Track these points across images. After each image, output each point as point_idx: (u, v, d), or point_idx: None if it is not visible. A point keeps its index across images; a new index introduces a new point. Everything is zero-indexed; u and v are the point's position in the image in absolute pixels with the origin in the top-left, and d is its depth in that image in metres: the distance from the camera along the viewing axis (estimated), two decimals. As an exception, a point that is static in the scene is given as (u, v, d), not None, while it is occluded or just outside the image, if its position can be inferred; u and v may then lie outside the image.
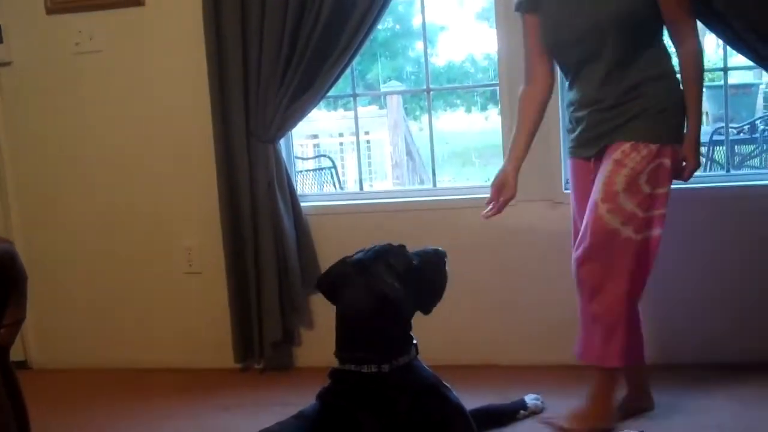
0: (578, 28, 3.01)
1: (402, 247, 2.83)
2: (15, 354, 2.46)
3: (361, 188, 4.41)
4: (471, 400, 3.04)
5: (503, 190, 3.21)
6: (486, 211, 3.24)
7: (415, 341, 2.81)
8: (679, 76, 3.04)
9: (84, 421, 3.69)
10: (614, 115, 3.00)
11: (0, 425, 2.32)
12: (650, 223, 2.96)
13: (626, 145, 2.95)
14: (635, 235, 2.93)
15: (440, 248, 2.92)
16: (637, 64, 2.97)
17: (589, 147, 3.10)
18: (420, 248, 2.88)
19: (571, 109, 3.17)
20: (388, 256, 2.76)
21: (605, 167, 2.98)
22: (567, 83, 3.24)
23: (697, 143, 3.06)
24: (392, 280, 2.69)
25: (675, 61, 3.08)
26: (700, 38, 3.07)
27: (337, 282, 2.81)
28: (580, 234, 3.03)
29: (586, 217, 3.01)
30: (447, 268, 2.89)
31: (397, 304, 2.67)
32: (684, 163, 3.03)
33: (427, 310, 2.86)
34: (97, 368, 4.31)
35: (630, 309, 3.01)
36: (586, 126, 3.09)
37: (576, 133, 3.15)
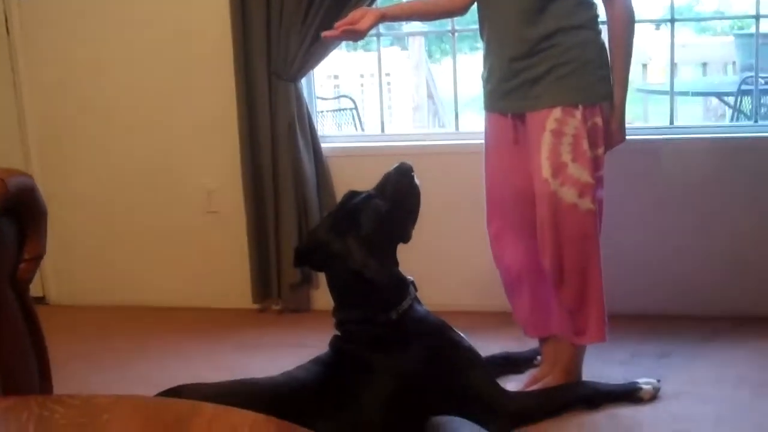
0: None
1: (368, 197, 2.72)
2: (33, 289, 2.44)
3: (383, 130, 4.36)
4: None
5: (362, 19, 2.96)
6: (331, 30, 3.02)
7: (411, 278, 2.78)
8: (601, 30, 2.90)
9: (101, 357, 3.72)
10: (530, 66, 2.82)
11: (20, 361, 2.32)
12: (598, 188, 2.85)
13: (557, 111, 2.80)
14: (592, 204, 2.82)
15: (404, 164, 2.80)
16: (553, 9, 2.80)
17: (507, 100, 2.92)
18: (384, 177, 2.78)
19: (485, 57, 2.99)
20: (357, 216, 2.68)
21: (543, 140, 2.81)
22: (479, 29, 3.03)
23: (623, 115, 2.92)
24: (362, 254, 2.62)
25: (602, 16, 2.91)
26: None
27: (314, 258, 2.77)
28: (538, 221, 2.86)
29: (537, 203, 2.86)
30: (416, 181, 2.79)
31: (375, 278, 2.62)
32: (611, 135, 2.89)
33: (407, 238, 2.79)
34: (114, 305, 4.33)
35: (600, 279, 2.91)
36: (502, 75, 2.90)
37: (491, 84, 2.97)
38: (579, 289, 2.89)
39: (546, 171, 2.81)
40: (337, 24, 3.01)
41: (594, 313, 2.91)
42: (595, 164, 2.83)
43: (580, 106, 2.80)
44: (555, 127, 2.80)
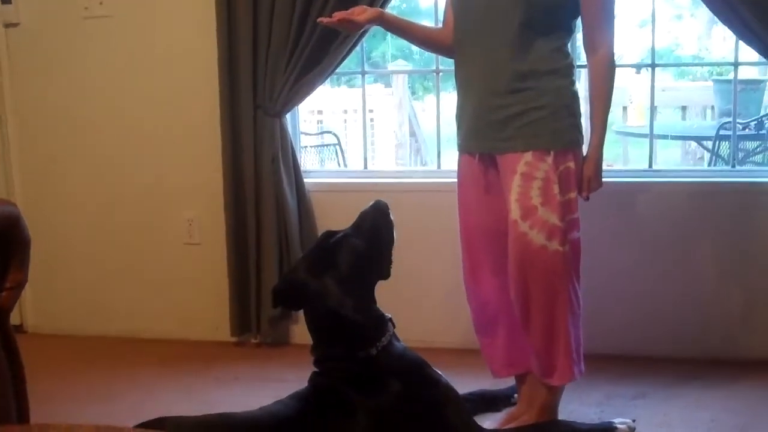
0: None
1: (345, 237, 2.73)
2: (11, 317, 2.44)
3: (366, 167, 4.39)
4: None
5: (361, 13, 3.01)
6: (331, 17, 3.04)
7: (389, 316, 2.80)
8: (575, 80, 2.93)
9: (77, 387, 3.69)
10: (503, 106, 2.84)
11: (-3, 388, 2.31)
12: (570, 230, 2.86)
13: (528, 156, 2.82)
14: (562, 247, 2.83)
15: (379, 202, 2.82)
16: (529, 52, 2.82)
17: (478, 140, 2.95)
18: (360, 215, 2.80)
19: (459, 96, 3.02)
20: (334, 256, 2.69)
21: (513, 182, 2.84)
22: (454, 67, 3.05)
23: (600, 162, 2.93)
24: (339, 294, 2.63)
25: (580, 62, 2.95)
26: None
27: (292, 298, 2.78)
28: (509, 259, 2.89)
29: (508, 242, 2.88)
30: (391, 217, 2.81)
31: (352, 317, 2.64)
32: (586, 180, 2.90)
33: (386, 275, 2.80)
34: (92, 335, 4.31)
35: (574, 319, 2.92)
36: (473, 113, 2.93)
37: (464, 124, 3.00)
38: (545, 329, 2.90)
39: (515, 213, 2.84)
40: (335, 13, 3.05)
41: (561, 353, 2.91)
42: (567, 208, 2.85)
43: (551, 152, 2.82)
44: (525, 171, 2.83)
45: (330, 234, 2.78)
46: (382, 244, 2.79)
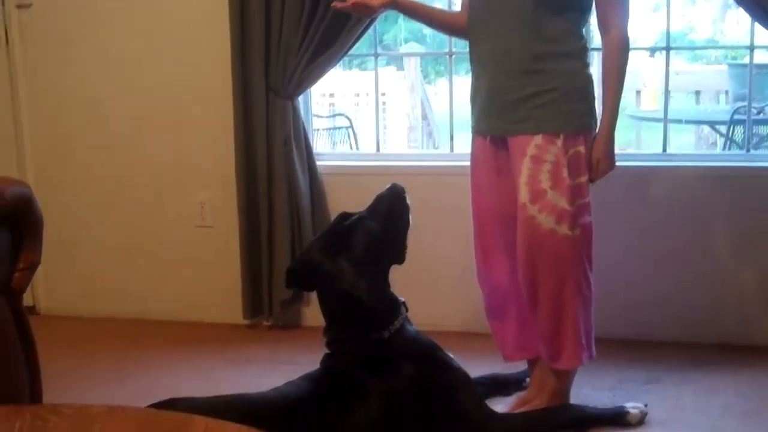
0: None
1: (360, 219, 2.74)
2: (23, 299, 2.45)
3: (378, 150, 4.38)
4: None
5: None
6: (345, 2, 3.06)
7: (402, 299, 2.80)
8: (590, 62, 2.93)
9: (90, 368, 3.71)
10: (516, 88, 2.84)
11: (11, 370, 2.32)
12: (580, 215, 2.85)
13: (538, 138, 2.81)
14: (571, 231, 2.83)
15: (396, 185, 2.83)
16: (542, 34, 2.81)
17: (490, 121, 2.95)
18: (376, 198, 2.80)
19: (473, 76, 3.02)
20: (349, 238, 2.69)
21: (523, 165, 2.83)
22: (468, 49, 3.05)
23: (610, 143, 2.90)
24: (353, 275, 2.62)
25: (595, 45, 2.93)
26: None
27: (305, 279, 2.78)
28: (517, 242, 2.89)
29: (517, 225, 2.88)
30: (408, 201, 2.81)
31: (366, 299, 2.63)
32: (595, 161, 2.89)
33: (400, 260, 2.81)
34: (104, 317, 4.32)
35: (585, 304, 2.92)
36: (487, 95, 2.92)
37: (477, 105, 2.99)
38: (553, 313, 2.90)
39: (524, 196, 2.83)
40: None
41: (568, 337, 2.91)
42: (576, 192, 2.84)
43: (561, 135, 2.81)
44: (535, 153, 2.82)
45: (345, 216, 2.77)
46: (397, 227, 2.79)
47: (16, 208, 2.29)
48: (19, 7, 4.25)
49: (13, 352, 2.34)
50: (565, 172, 2.81)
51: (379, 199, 2.80)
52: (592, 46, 3.33)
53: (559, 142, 2.81)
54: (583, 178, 2.86)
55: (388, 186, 2.84)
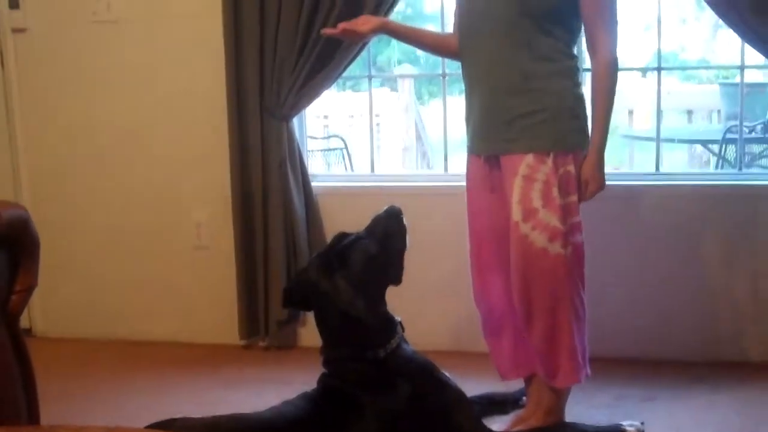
0: None
1: (357, 239, 2.76)
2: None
3: (373, 170, 4.40)
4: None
5: (365, 23, 3.09)
6: (333, 28, 3.12)
7: (398, 319, 2.81)
8: (580, 82, 2.96)
9: (87, 390, 3.71)
10: (507, 107, 2.86)
11: (8, 392, 2.32)
12: (572, 233, 2.86)
13: (529, 157, 2.82)
14: (563, 249, 2.83)
15: (393, 207, 2.84)
16: (531, 53, 2.83)
17: (484, 141, 2.97)
18: (373, 219, 2.82)
19: (466, 96, 3.03)
20: (347, 257, 2.72)
21: (515, 184, 2.85)
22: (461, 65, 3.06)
23: (599, 164, 2.91)
24: (350, 294, 2.65)
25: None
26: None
27: (302, 297, 2.80)
28: (511, 260, 2.91)
29: (510, 244, 2.89)
30: (405, 223, 2.83)
31: (363, 319, 2.66)
32: (584, 182, 2.90)
33: (397, 281, 2.82)
34: (100, 339, 4.32)
35: (578, 323, 2.93)
36: (480, 115, 2.95)
37: (471, 125, 3.02)
38: (547, 331, 2.90)
39: (517, 215, 2.85)
40: (340, 24, 3.09)
41: (564, 355, 2.91)
42: (567, 211, 2.85)
43: (551, 154, 2.83)
44: (526, 173, 2.83)
45: (343, 235, 2.79)
46: (393, 248, 2.80)
47: (13, 231, 2.30)
48: (14, 31, 4.28)
49: (11, 374, 2.34)
50: (555, 191, 2.82)
51: (377, 221, 2.82)
52: (583, 66, 3.35)
53: (549, 161, 2.82)
54: (574, 197, 2.88)
55: (385, 208, 2.85)
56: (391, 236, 2.80)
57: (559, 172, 2.83)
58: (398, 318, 2.81)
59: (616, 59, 2.90)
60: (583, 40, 3.03)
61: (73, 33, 4.24)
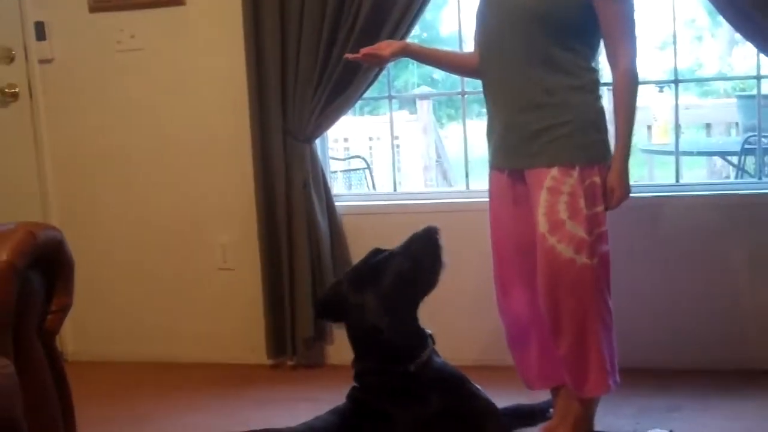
0: (494, 14, 2.97)
1: (391, 255, 2.83)
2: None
3: (395, 189, 4.44)
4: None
5: (387, 47, 3.15)
6: (356, 53, 3.18)
7: (429, 332, 2.84)
8: (601, 95, 2.99)
9: (119, 412, 3.74)
10: (530, 122, 2.90)
11: (48, 412, 2.37)
12: (598, 243, 2.89)
13: (554, 171, 2.86)
14: (590, 260, 2.86)
15: (431, 226, 2.92)
16: (552, 68, 2.88)
17: (507, 157, 3.02)
18: (410, 237, 2.90)
19: (488, 113, 3.10)
20: (379, 273, 2.78)
21: (541, 197, 2.88)
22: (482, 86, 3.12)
23: (624, 172, 2.94)
24: (378, 309, 2.72)
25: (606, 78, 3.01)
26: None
27: (334, 309, 2.88)
28: (538, 272, 2.93)
29: (537, 255, 2.92)
30: (441, 242, 2.89)
31: (389, 334, 2.71)
32: (610, 190, 2.92)
33: (429, 292, 2.89)
34: (130, 361, 4.37)
35: (606, 332, 2.95)
36: (502, 131, 3.00)
37: (493, 141, 3.07)
38: (576, 341, 2.92)
39: (543, 227, 2.88)
40: (362, 49, 3.16)
41: (594, 365, 2.93)
42: (593, 221, 2.88)
43: (577, 167, 2.86)
44: (552, 185, 2.87)
45: (378, 251, 2.85)
46: (426, 266, 2.85)
47: (48, 251, 2.36)
48: (41, 62, 4.36)
49: (49, 397, 2.39)
50: (581, 203, 2.86)
51: (413, 238, 2.89)
52: (603, 80, 3.39)
53: (575, 173, 2.86)
54: (600, 208, 2.91)
55: (423, 227, 2.91)
56: (425, 253, 2.85)
57: (585, 184, 2.87)
58: (429, 331, 2.85)
59: (636, 72, 2.95)
60: (603, 53, 3.07)
61: (98, 62, 4.33)
